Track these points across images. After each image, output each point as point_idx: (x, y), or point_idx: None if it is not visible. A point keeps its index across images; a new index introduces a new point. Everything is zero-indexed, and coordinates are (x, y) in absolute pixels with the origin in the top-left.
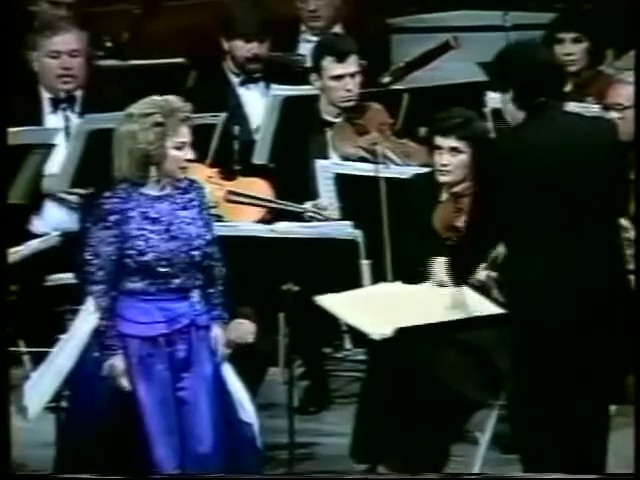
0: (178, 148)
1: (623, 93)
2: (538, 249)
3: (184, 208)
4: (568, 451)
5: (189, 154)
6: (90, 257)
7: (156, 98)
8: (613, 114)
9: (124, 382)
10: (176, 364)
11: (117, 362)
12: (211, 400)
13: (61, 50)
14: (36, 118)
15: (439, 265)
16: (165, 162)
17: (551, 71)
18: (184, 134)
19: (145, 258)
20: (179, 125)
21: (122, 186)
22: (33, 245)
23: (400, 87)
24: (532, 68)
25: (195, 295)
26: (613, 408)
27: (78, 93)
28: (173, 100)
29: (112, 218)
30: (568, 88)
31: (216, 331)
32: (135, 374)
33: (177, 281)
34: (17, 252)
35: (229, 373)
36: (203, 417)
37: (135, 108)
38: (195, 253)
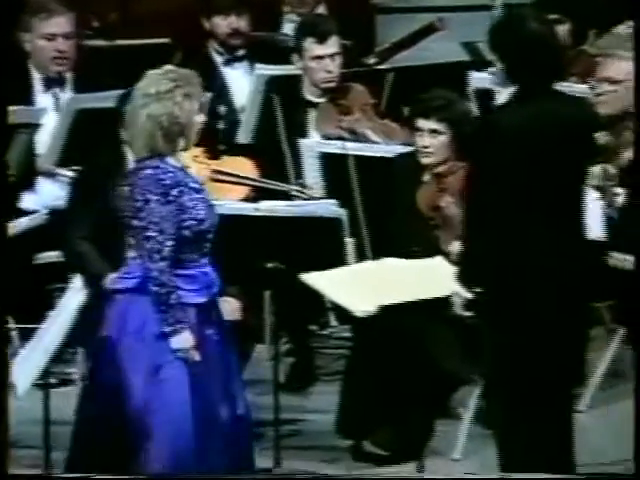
0: (198, 113)
1: (618, 68)
2: (523, 227)
3: (192, 176)
4: (541, 429)
5: (203, 117)
6: (154, 234)
7: (159, 72)
8: (604, 88)
9: (195, 355)
10: (217, 328)
11: (187, 335)
12: (236, 360)
13: (56, 33)
14: (27, 98)
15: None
16: (193, 130)
17: (548, 48)
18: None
19: (202, 227)
20: (199, 91)
21: (156, 161)
22: (22, 223)
23: (383, 67)
24: (529, 42)
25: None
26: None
27: (69, 74)
28: (179, 69)
29: (174, 192)
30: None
31: None
32: (197, 343)
33: (208, 246)
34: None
35: None
36: (237, 378)
37: (153, 86)
38: (217, 217)
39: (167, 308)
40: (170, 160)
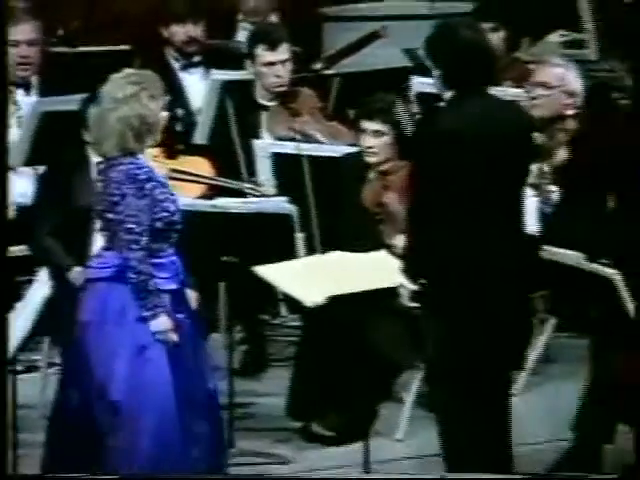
0: (161, 111)
1: (550, 74)
2: (462, 223)
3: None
4: (480, 413)
5: (166, 114)
6: (132, 226)
7: (122, 75)
8: (538, 92)
9: (173, 336)
10: (187, 313)
11: (165, 318)
12: (204, 343)
13: (20, 40)
14: None
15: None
16: (159, 128)
17: (481, 54)
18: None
19: (173, 218)
20: (161, 91)
21: (129, 158)
22: None
23: (330, 72)
24: (465, 49)
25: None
26: None
27: (33, 78)
28: (141, 72)
29: (148, 186)
30: None
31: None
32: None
33: (175, 237)
34: None
35: None
36: (206, 359)
37: (119, 90)
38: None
39: (145, 294)
40: (141, 157)
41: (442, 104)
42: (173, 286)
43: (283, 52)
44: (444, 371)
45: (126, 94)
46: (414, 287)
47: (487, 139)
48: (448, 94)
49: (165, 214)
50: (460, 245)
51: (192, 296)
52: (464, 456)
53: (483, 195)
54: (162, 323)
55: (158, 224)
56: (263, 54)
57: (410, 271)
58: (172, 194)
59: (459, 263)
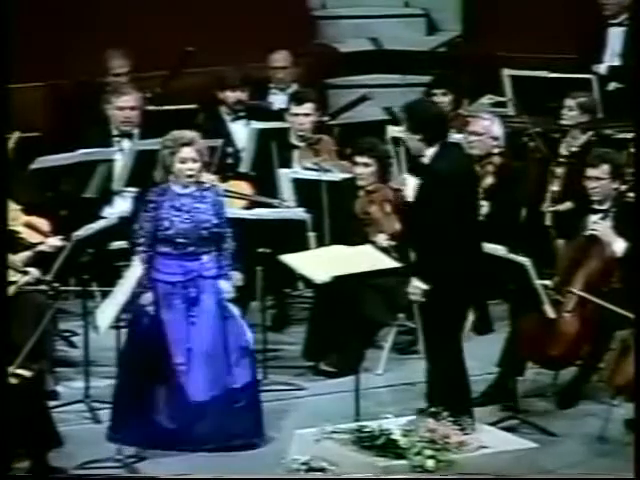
0: (182, 162)
1: (481, 125)
2: (454, 240)
3: (200, 202)
4: (452, 354)
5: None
6: (138, 229)
7: (180, 132)
8: (472, 138)
9: (151, 309)
10: (189, 300)
11: (149, 295)
12: (213, 322)
13: (124, 106)
14: (108, 143)
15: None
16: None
17: (445, 121)
18: (186, 152)
19: (168, 232)
20: (181, 147)
21: (159, 186)
22: (100, 223)
23: (333, 123)
24: (437, 120)
25: (203, 258)
26: None
27: (135, 130)
28: (179, 133)
29: (151, 206)
30: None
31: (222, 283)
32: (162, 304)
33: (191, 249)
34: (90, 228)
35: (232, 306)
36: (208, 332)
37: (186, 137)
38: (203, 232)
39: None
40: (172, 186)
41: (431, 155)
42: (172, 280)
43: (307, 108)
44: (435, 334)
45: (193, 138)
46: (424, 286)
47: (467, 177)
48: (430, 150)
49: (162, 227)
50: (452, 256)
51: (237, 276)
52: (445, 385)
53: (467, 216)
54: (146, 297)
55: (159, 233)
56: (293, 108)
57: (420, 275)
58: (181, 217)
59: (454, 265)
